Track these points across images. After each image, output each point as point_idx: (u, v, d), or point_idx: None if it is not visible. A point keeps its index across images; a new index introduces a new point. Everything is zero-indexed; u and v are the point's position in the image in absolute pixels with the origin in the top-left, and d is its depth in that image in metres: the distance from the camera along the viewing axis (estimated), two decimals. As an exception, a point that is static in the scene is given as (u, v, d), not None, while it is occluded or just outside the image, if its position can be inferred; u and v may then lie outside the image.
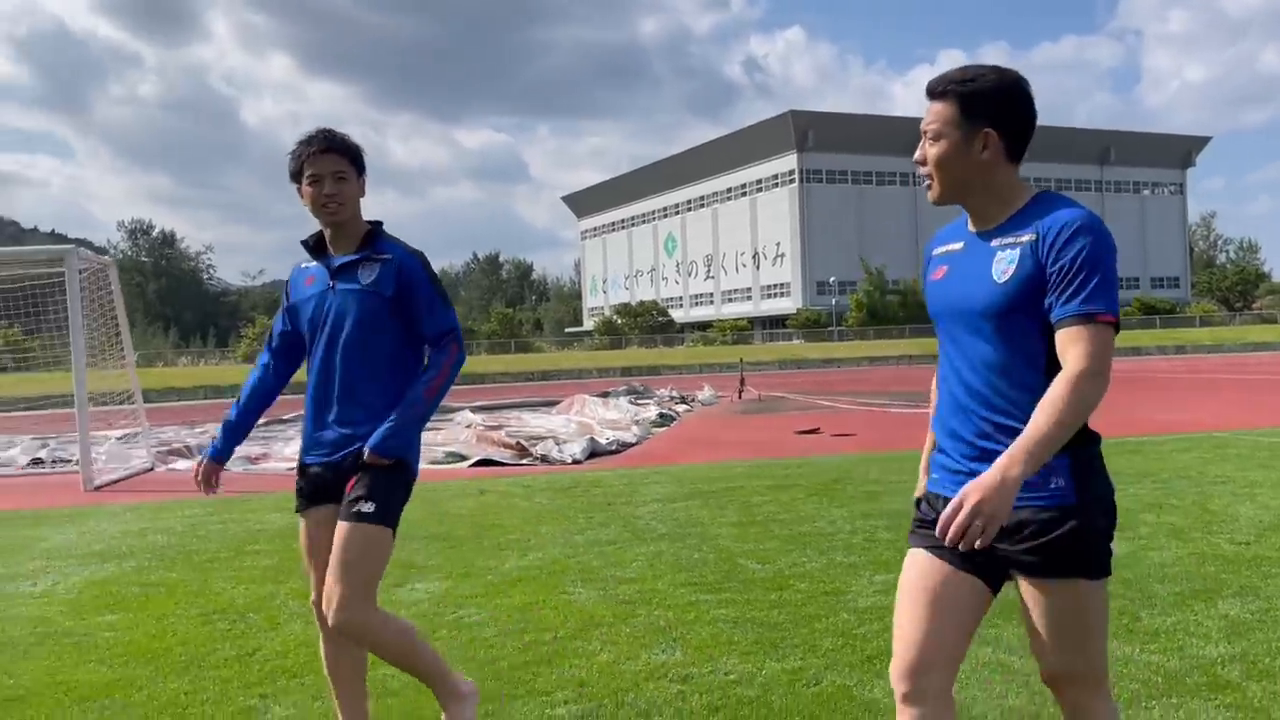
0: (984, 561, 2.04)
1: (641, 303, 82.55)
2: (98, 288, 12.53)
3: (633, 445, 13.18)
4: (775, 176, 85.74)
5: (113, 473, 11.70)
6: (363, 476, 2.82)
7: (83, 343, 11.20)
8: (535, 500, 8.24)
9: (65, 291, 11.20)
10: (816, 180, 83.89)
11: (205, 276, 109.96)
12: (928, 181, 2.11)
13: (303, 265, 3.04)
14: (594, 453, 12.28)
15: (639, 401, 20.08)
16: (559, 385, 30.66)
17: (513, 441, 12.94)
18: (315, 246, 3.01)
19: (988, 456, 2.00)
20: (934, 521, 2.02)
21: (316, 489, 2.93)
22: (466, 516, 7.52)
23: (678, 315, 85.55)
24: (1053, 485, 1.97)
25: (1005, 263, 2.01)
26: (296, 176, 2.92)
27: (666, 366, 42.99)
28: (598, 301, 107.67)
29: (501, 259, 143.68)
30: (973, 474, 1.99)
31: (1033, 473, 1.84)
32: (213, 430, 16.82)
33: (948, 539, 1.80)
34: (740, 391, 22.37)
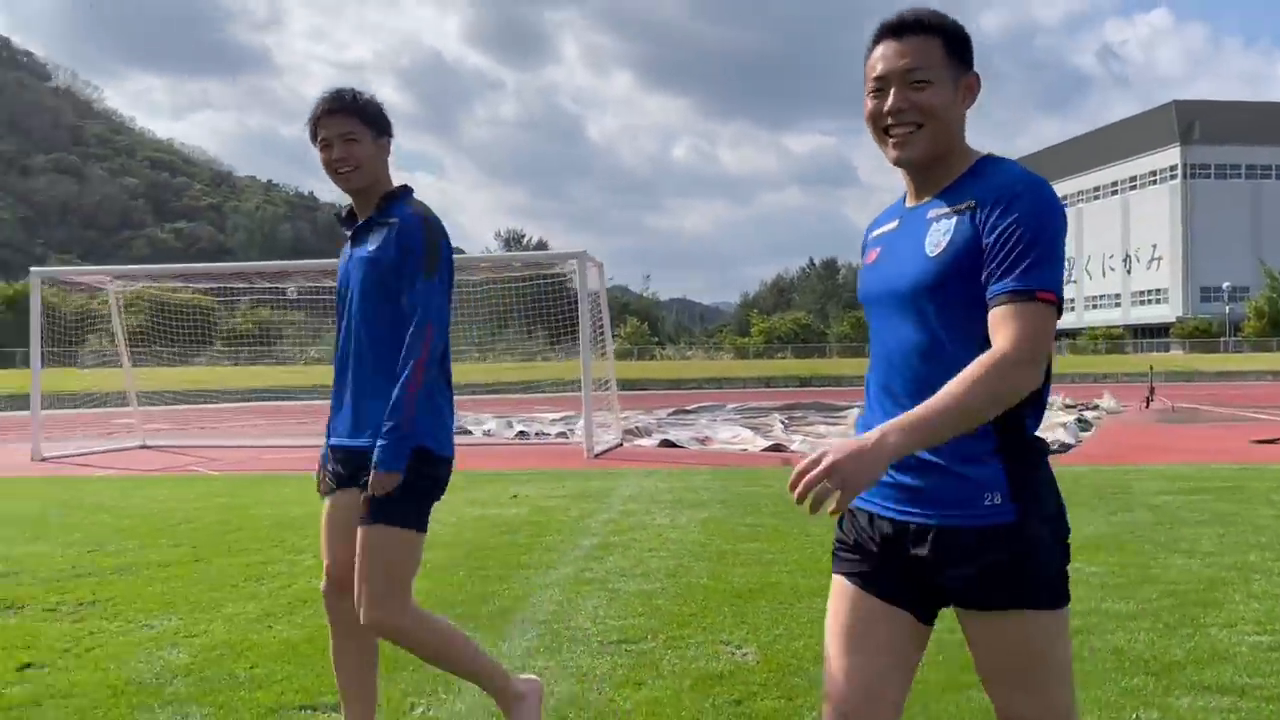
0: (915, 589, 1.81)
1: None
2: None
3: (1072, 446, 13.19)
4: (1152, 173, 78.72)
5: (598, 446, 13.58)
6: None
7: (589, 334, 13.11)
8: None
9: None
10: (1203, 176, 75.99)
11: (566, 281, 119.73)
12: (900, 135, 1.80)
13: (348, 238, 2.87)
14: (1035, 451, 12.47)
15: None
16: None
17: (947, 436, 13.46)
18: (348, 216, 2.84)
19: (916, 469, 1.76)
20: (855, 545, 1.87)
21: (338, 476, 2.76)
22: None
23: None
24: (987, 502, 1.71)
25: (940, 234, 1.76)
26: (313, 140, 2.73)
27: (1033, 375, 41.01)
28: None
29: (839, 263, 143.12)
30: (896, 484, 1.79)
31: (909, 449, 1.58)
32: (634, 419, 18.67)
33: (795, 495, 1.54)
34: (1148, 401, 21.26)
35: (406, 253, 2.63)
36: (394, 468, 2.57)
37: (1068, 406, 20.33)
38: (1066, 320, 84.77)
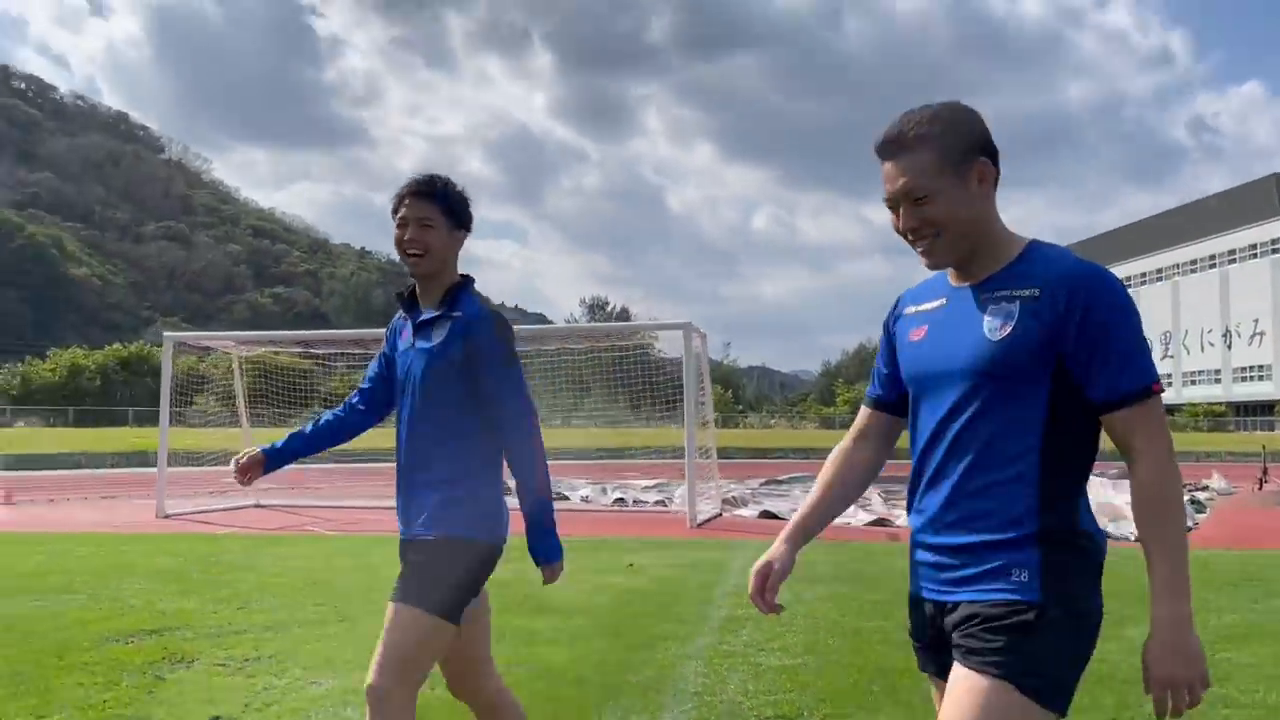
0: None
1: (1093, 383, 77.37)
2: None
3: (1190, 529, 12.76)
4: (1253, 246, 76.39)
5: (700, 515, 13.60)
6: (416, 556, 2.64)
7: (694, 403, 13.22)
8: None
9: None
10: (1308, 249, 73.44)
11: (648, 349, 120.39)
12: (924, 246, 1.85)
13: (403, 317, 2.86)
14: (1152, 532, 12.11)
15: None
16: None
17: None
18: (409, 299, 2.82)
19: (956, 551, 1.79)
20: (919, 634, 1.92)
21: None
22: (1110, 576, 7.95)
23: (1128, 397, 78.66)
24: (1014, 577, 1.72)
25: (1001, 317, 1.76)
26: (393, 214, 2.76)
27: (1133, 452, 39.66)
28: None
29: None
30: (938, 564, 1.82)
31: (1189, 603, 1.65)
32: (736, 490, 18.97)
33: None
34: (1262, 482, 20.45)
35: (479, 349, 2.62)
36: (555, 558, 2.67)
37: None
38: (1165, 396, 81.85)
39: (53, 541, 10.36)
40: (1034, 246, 1.83)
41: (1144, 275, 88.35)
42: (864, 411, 2.10)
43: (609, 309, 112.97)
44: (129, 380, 55.17)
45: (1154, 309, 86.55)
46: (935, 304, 1.91)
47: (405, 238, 2.70)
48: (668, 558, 9.05)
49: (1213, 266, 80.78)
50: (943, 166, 1.78)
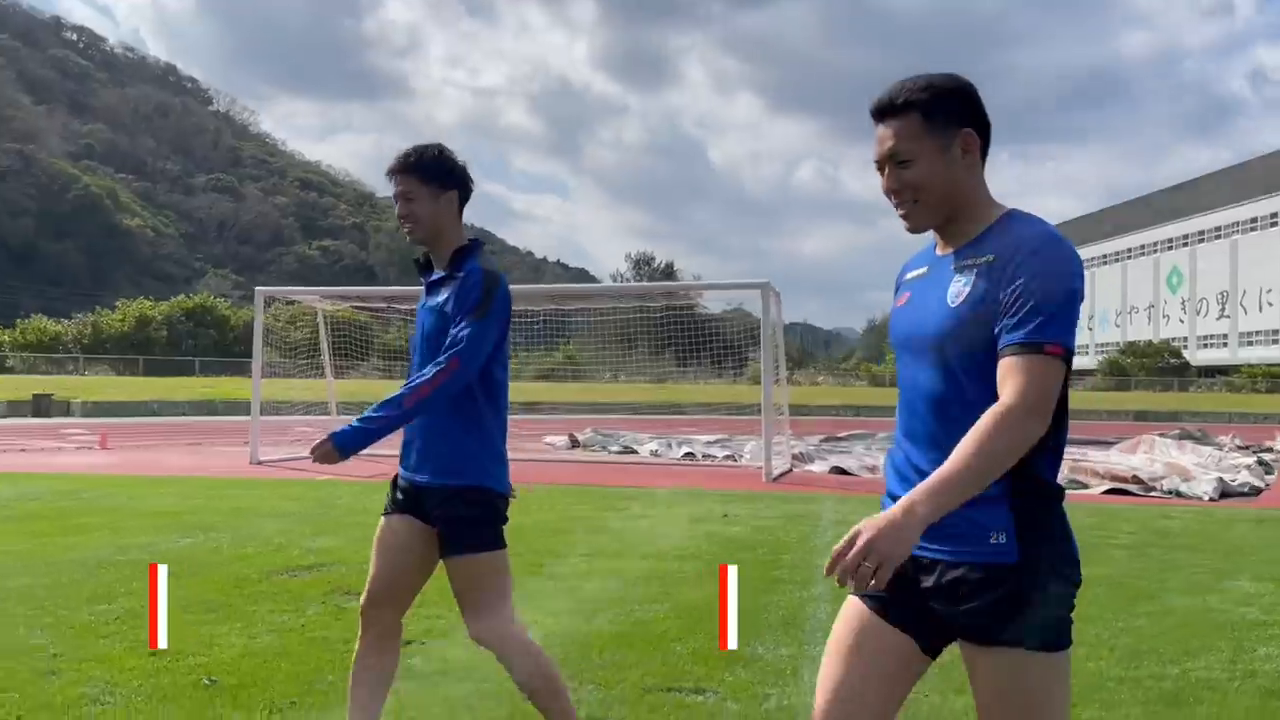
0: (921, 619, 1.88)
1: (1150, 343, 76.31)
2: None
3: (1261, 490, 12.91)
4: (1317, 204, 74.44)
5: (773, 470, 13.98)
6: (444, 514, 2.83)
7: (770, 360, 13.55)
8: (1240, 530, 8.72)
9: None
10: (1375, 206, 71.41)
11: (694, 307, 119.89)
12: (903, 210, 1.92)
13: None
14: (1225, 493, 12.27)
15: (1204, 445, 19.14)
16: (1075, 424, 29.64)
17: (1128, 474, 13.35)
18: (425, 264, 3.01)
19: None
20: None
21: (398, 501, 2.95)
22: (1198, 534, 8.23)
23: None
24: (991, 541, 1.78)
25: (960, 285, 1.85)
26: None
27: (1187, 413, 39.37)
28: (1082, 339, 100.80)
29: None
30: None
31: (937, 516, 1.65)
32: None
33: (835, 578, 1.62)
34: (1327, 445, 20.37)
35: (462, 296, 2.78)
36: (343, 445, 2.69)
37: (1240, 448, 19.65)
38: (1215, 356, 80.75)
39: (169, 484, 11.01)
40: (1008, 216, 1.89)
41: (1202, 233, 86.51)
42: None
43: (654, 264, 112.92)
44: (194, 331, 56.50)
45: (1211, 268, 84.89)
46: (920, 272, 2.00)
47: (398, 214, 2.91)
48: (756, 509, 9.44)
49: (1273, 224, 78.87)
50: (927, 132, 1.86)
